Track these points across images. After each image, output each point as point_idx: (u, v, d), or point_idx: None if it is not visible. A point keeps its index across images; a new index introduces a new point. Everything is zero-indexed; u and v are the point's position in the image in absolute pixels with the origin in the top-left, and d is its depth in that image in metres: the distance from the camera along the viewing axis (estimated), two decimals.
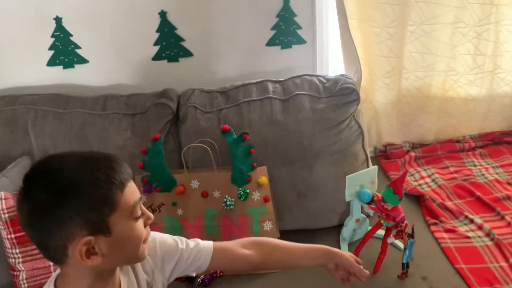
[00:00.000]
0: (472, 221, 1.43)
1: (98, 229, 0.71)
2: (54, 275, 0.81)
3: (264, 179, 1.34)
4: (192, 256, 0.92)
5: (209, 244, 0.95)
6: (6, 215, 1.09)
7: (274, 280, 1.32)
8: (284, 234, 1.44)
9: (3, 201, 1.10)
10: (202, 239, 1.34)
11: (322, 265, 1.01)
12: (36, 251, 1.12)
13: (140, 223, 0.77)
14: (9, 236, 1.09)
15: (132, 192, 0.75)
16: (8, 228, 1.09)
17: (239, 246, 0.97)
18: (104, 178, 0.71)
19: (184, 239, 0.95)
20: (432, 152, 1.81)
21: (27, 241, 1.10)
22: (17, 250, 1.10)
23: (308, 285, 1.28)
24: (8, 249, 1.11)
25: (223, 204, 1.33)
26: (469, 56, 1.70)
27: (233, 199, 1.32)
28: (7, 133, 1.43)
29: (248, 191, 1.32)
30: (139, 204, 0.77)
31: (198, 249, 0.93)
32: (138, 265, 0.89)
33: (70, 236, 0.69)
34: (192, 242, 0.94)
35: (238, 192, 1.32)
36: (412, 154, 1.79)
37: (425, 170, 1.72)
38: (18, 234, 1.10)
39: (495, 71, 1.73)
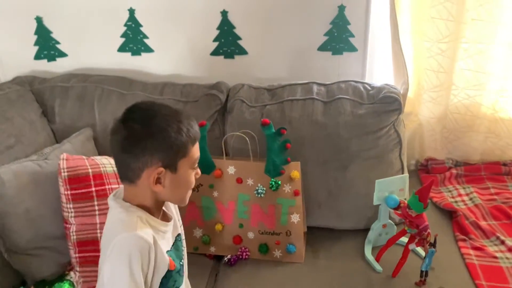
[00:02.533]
0: (503, 242, 1.41)
1: (169, 166, 0.93)
2: (113, 194, 1.00)
3: (296, 174, 1.41)
4: None
5: None
6: (66, 173, 1.26)
7: (296, 269, 1.39)
8: (311, 230, 1.51)
9: (64, 161, 1.27)
10: (233, 222, 1.46)
11: None
12: (87, 209, 1.28)
13: (193, 174, 1.00)
14: (66, 192, 1.26)
15: (197, 149, 0.99)
16: (66, 185, 1.26)
17: None
18: (185, 130, 0.93)
19: None
20: (475, 172, 1.78)
21: (80, 198, 1.27)
22: (71, 206, 1.26)
23: (329, 276, 1.34)
24: (64, 203, 1.27)
25: (255, 192, 1.42)
26: None
27: (264, 188, 1.41)
28: (76, 106, 1.62)
29: (279, 182, 1.41)
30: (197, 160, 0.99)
31: None
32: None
33: (149, 163, 0.92)
34: None
35: (270, 183, 1.41)
36: (454, 171, 1.78)
37: (464, 188, 1.71)
38: (73, 192, 1.26)
39: None
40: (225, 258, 1.44)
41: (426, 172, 1.83)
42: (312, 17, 1.72)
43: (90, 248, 1.26)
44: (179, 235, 1.09)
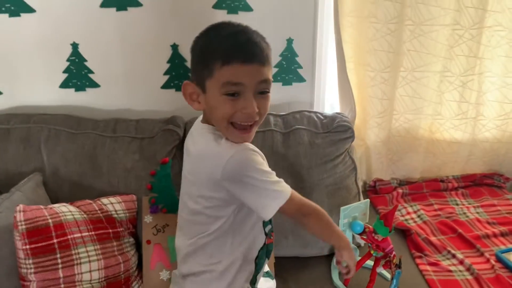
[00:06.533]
0: (454, 256, 1.53)
1: (199, 84, 0.94)
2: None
3: None
4: None
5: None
6: (24, 226, 1.15)
7: None
8: (279, 260, 1.52)
9: (22, 213, 1.16)
10: None
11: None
12: (49, 263, 1.16)
13: (225, 101, 0.91)
14: (24, 247, 1.14)
15: (237, 72, 0.89)
16: (24, 239, 1.14)
17: None
18: (212, 48, 0.90)
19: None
20: (418, 189, 1.92)
21: (41, 252, 1.16)
22: (30, 261, 1.15)
23: None
24: (22, 259, 1.15)
25: None
26: (454, 103, 1.85)
27: None
28: (20, 150, 1.49)
29: None
30: (239, 87, 0.90)
31: None
32: None
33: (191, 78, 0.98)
34: None
35: None
36: (400, 190, 1.91)
37: (411, 206, 1.83)
38: (33, 246, 1.14)
39: (478, 117, 1.88)
40: None
41: (375, 193, 1.94)
42: None
43: None
44: None
